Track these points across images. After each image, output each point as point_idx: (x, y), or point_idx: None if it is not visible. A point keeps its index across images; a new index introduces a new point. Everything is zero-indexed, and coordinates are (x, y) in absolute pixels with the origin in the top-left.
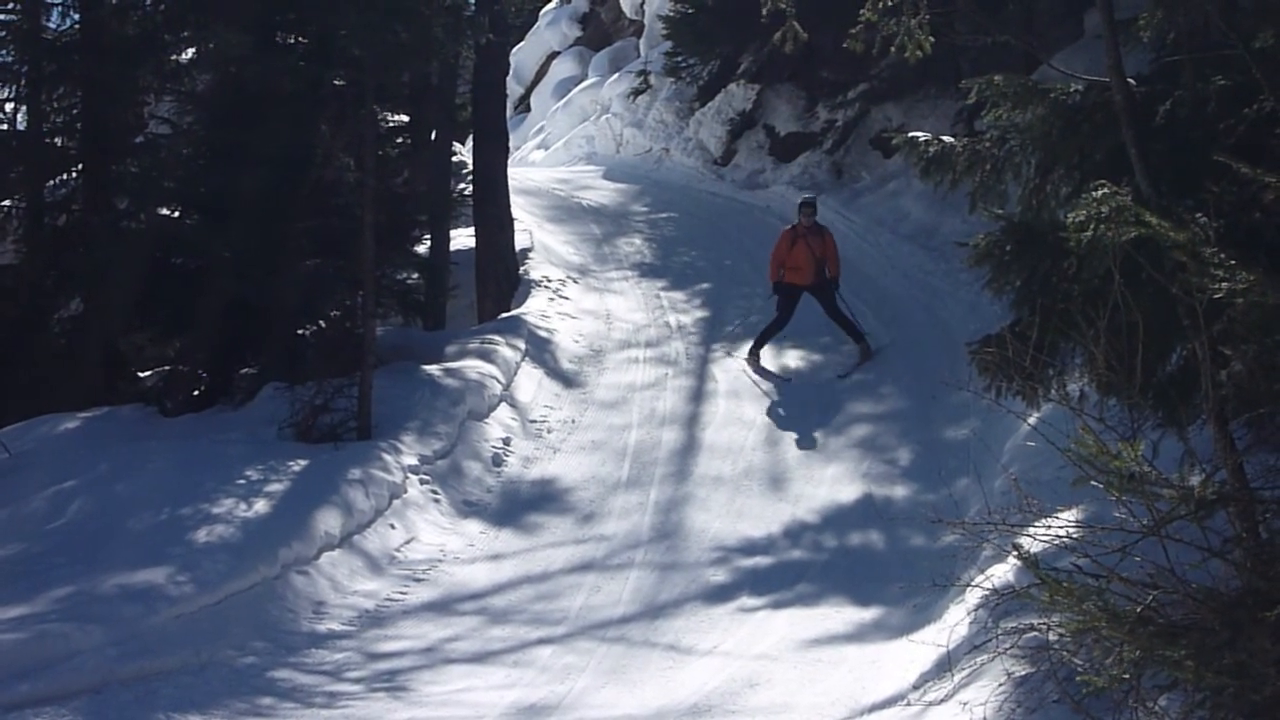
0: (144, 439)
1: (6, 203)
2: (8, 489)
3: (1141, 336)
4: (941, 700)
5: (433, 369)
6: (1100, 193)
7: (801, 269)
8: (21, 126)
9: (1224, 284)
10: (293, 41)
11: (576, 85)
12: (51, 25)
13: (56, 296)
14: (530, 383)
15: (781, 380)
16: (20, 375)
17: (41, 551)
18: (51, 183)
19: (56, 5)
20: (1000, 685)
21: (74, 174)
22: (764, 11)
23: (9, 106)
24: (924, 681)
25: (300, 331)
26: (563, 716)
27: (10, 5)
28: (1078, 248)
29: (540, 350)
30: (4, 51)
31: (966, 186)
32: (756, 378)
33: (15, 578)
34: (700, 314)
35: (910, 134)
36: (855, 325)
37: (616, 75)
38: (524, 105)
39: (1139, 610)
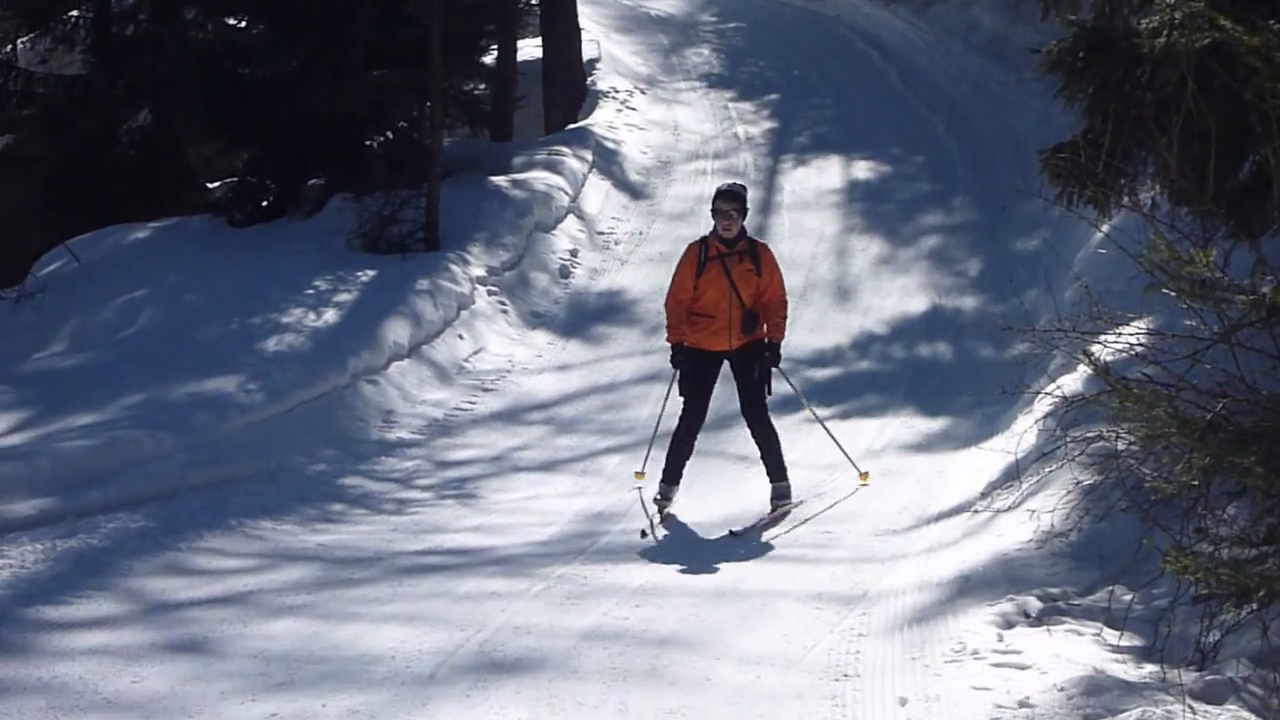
0: (213, 249)
1: (74, 13)
2: (78, 298)
3: (1214, 144)
4: (1009, 509)
5: (500, 180)
6: None
7: (717, 320)
8: None
9: None
10: None
11: None
12: None
13: (125, 107)
14: (597, 194)
15: (725, 537)
16: (90, 185)
17: (112, 360)
18: None
19: None
20: (1068, 493)
21: None
22: None
23: None
24: (991, 490)
25: (368, 142)
26: (629, 524)
27: None
28: (1151, 54)
29: (607, 162)
30: None
31: None
32: (659, 530)
33: (87, 386)
34: (769, 125)
35: None
36: (779, 456)
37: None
38: None
39: (1209, 417)
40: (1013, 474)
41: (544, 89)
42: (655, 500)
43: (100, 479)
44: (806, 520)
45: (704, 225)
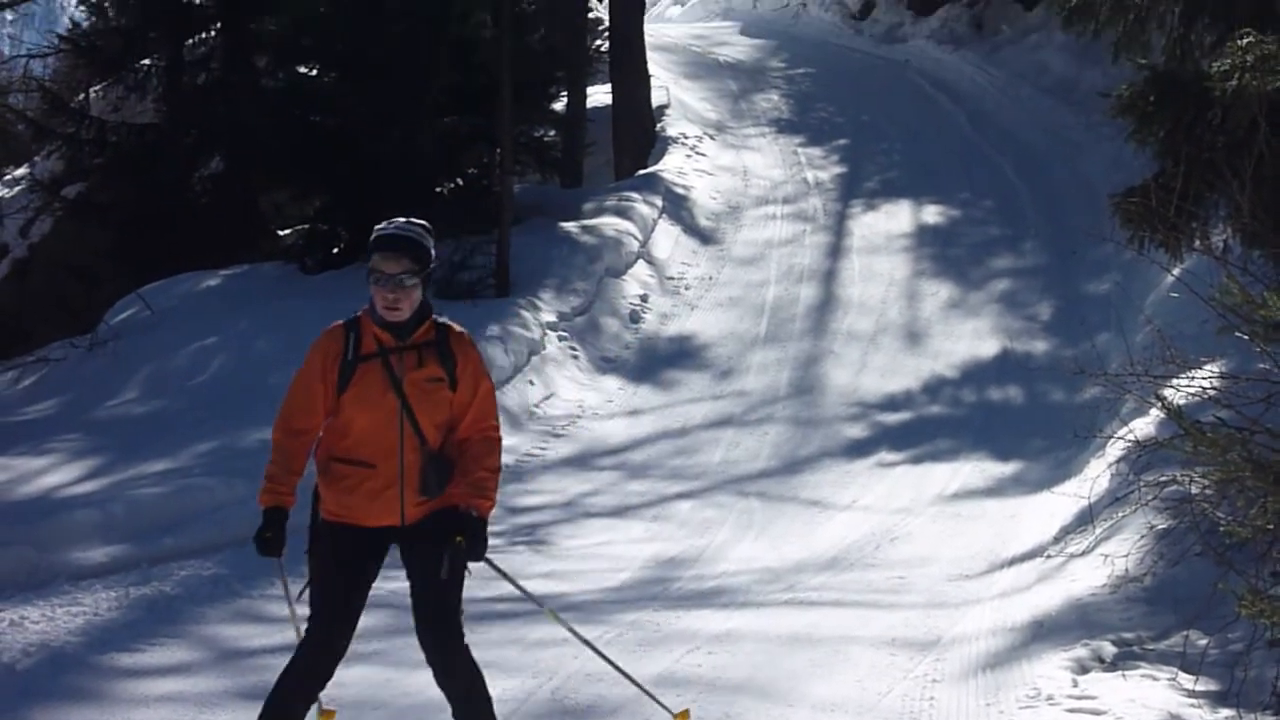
0: (284, 296)
1: (146, 61)
2: (151, 345)
3: None
4: (1082, 553)
5: (570, 226)
6: (1245, 41)
7: (378, 472)
8: None
9: None
10: None
11: None
12: None
13: (198, 155)
14: (667, 239)
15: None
16: (162, 232)
17: (184, 407)
18: (191, 41)
19: None
20: (1141, 538)
21: (213, 32)
22: None
23: None
24: (1064, 534)
25: (439, 188)
26: (702, 570)
27: None
28: (1222, 97)
29: (677, 207)
30: None
31: (1109, 36)
32: None
33: (159, 433)
34: (838, 170)
35: None
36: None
37: None
38: None
39: None
40: (1086, 518)
41: (614, 135)
42: None
43: (173, 526)
44: (875, 566)
45: (774, 269)
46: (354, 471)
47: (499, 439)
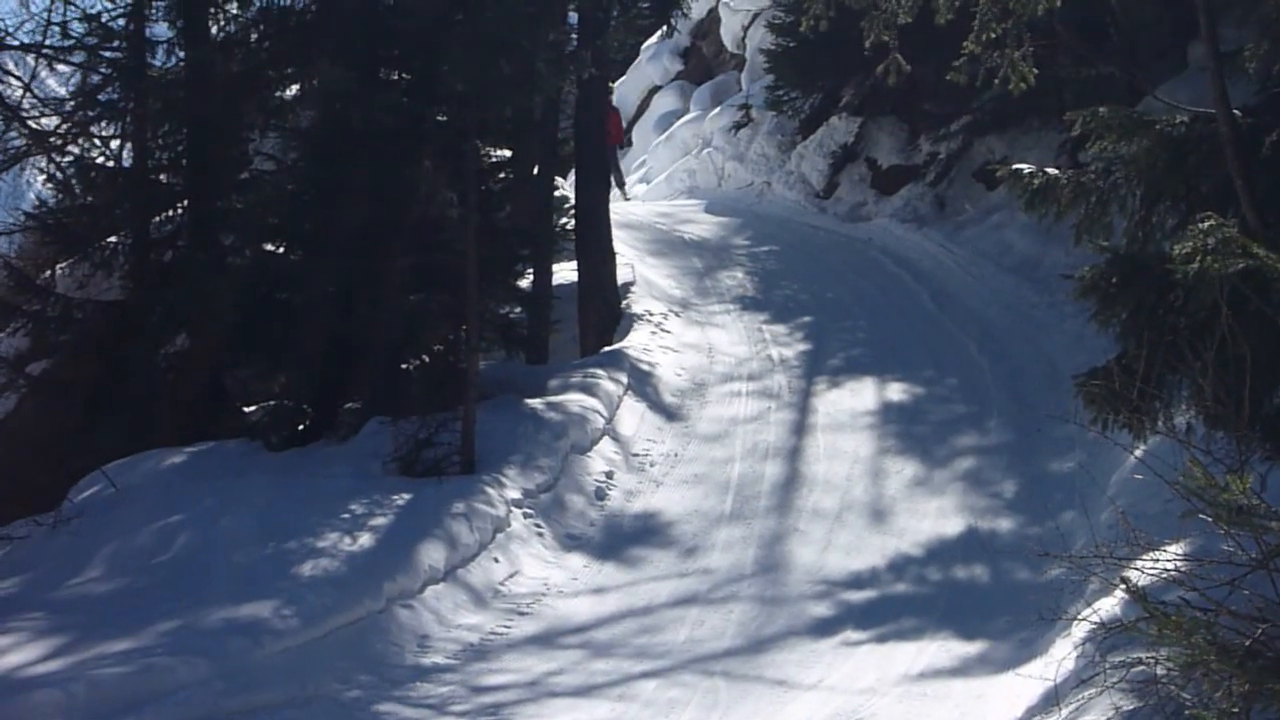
0: (248, 473)
1: (112, 239)
2: (114, 523)
3: (1249, 368)
4: None
5: (535, 402)
6: (1206, 224)
7: None
8: (127, 163)
9: None
10: (396, 78)
11: (678, 119)
12: (157, 63)
13: (161, 332)
14: (633, 416)
15: None
16: (126, 410)
17: (147, 586)
18: (157, 219)
19: (162, 43)
20: None
21: (179, 210)
22: (866, 44)
23: (115, 144)
24: (1030, 716)
25: (403, 366)
26: None
27: (116, 43)
28: (1184, 280)
29: (642, 384)
30: (110, 89)
31: (1071, 219)
32: None
33: (121, 611)
34: (803, 347)
35: (1014, 166)
36: None
37: (718, 109)
38: (626, 139)
39: (1248, 644)
40: (1052, 699)
41: (579, 312)
42: None
43: (135, 707)
44: None
45: (739, 446)
46: None
47: None
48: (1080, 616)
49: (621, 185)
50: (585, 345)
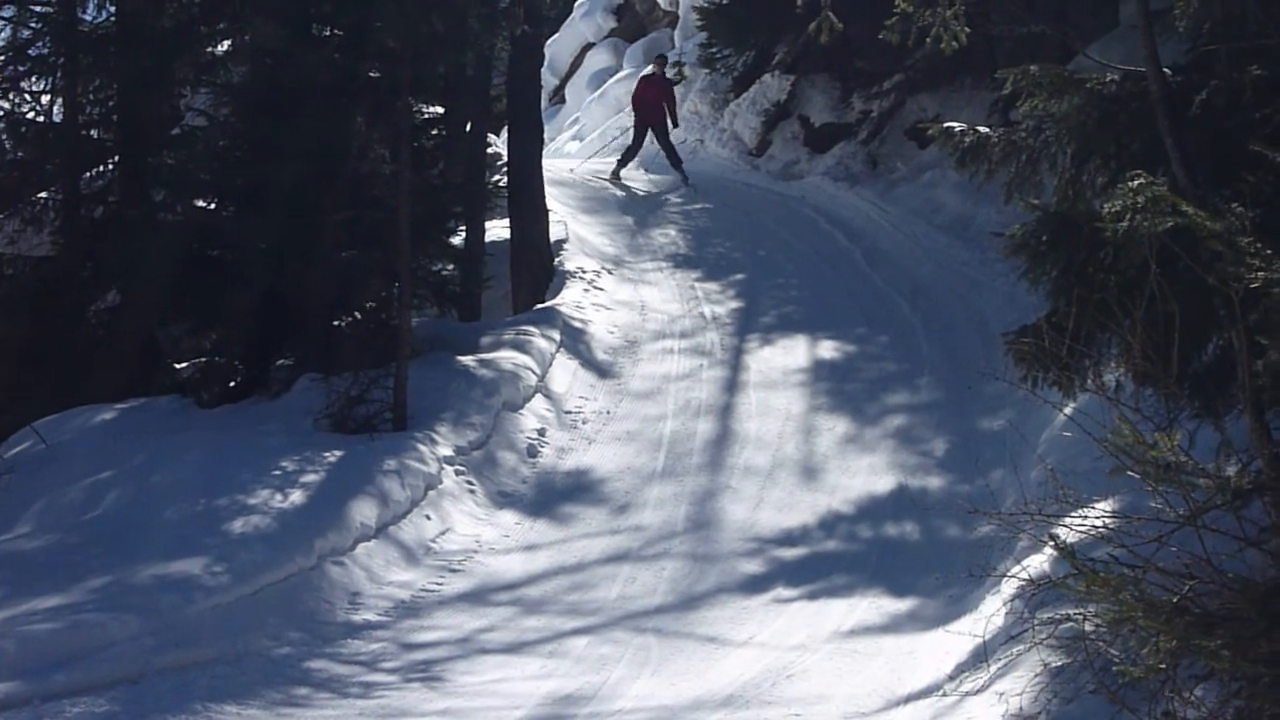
0: (180, 430)
1: (43, 195)
2: (45, 480)
3: (1178, 326)
4: (977, 691)
5: (468, 360)
6: (1136, 183)
7: None
8: (58, 119)
9: (1260, 273)
10: (328, 34)
11: (611, 77)
12: (87, 18)
13: (93, 288)
14: (565, 374)
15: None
16: (57, 366)
17: (78, 542)
18: (87, 175)
19: None
20: (1036, 675)
21: (110, 166)
22: (799, 2)
23: (45, 99)
24: (960, 672)
25: (336, 323)
26: (598, 707)
27: None
28: (1114, 238)
29: (575, 341)
30: (40, 44)
31: (1002, 177)
32: None
33: (52, 568)
34: (735, 305)
35: (946, 124)
36: None
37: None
38: (559, 97)
39: (1175, 600)
40: (981, 656)
41: (512, 269)
42: None
43: (65, 662)
44: (772, 704)
45: (671, 403)
46: None
47: None
48: (1010, 573)
49: (678, 166)
50: (518, 302)
